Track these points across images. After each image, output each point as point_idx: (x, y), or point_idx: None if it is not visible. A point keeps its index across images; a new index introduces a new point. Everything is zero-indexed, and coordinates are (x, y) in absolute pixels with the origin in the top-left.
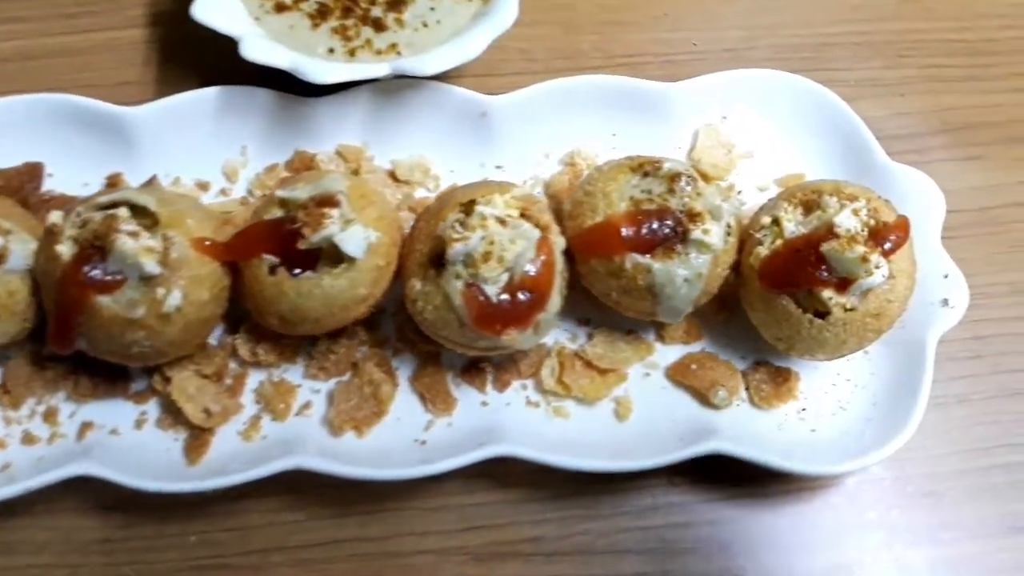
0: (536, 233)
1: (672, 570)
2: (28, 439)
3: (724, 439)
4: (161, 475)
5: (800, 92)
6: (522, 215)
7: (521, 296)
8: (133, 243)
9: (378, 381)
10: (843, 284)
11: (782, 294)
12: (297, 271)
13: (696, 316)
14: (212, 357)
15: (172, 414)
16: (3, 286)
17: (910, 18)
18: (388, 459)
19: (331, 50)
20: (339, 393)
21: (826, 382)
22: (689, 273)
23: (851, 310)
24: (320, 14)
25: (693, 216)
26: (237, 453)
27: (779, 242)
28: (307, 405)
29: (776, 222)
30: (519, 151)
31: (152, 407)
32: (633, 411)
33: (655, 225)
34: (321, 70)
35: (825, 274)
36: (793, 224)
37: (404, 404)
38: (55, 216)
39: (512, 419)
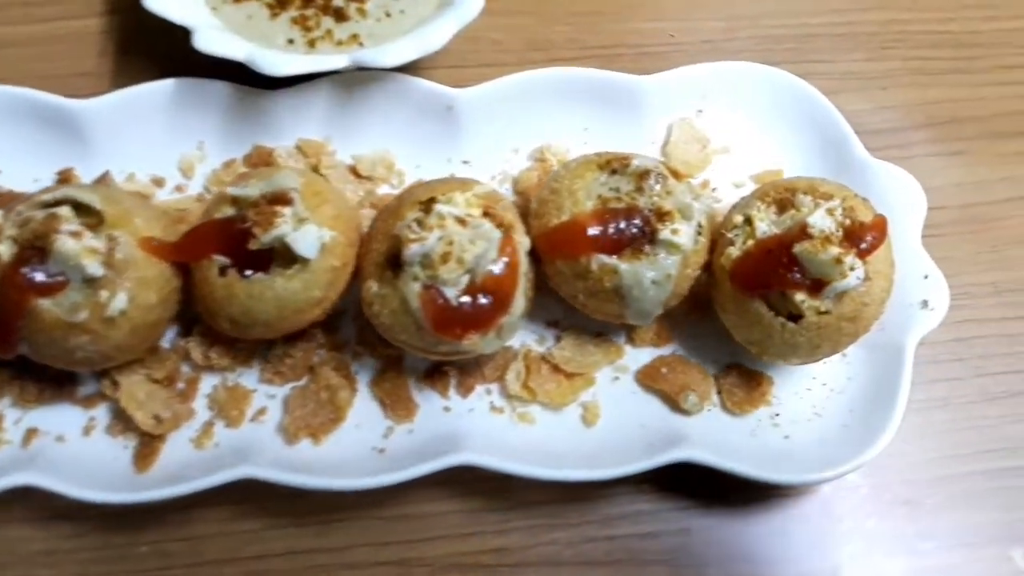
0: (497, 233)
1: None
2: None
3: (695, 446)
4: (109, 484)
5: (778, 85)
6: (485, 214)
7: (482, 299)
8: (75, 243)
9: (335, 386)
10: (817, 286)
11: (754, 296)
12: (248, 272)
13: (667, 318)
14: (163, 361)
15: (123, 420)
16: None
17: (894, 8)
18: (345, 468)
19: (290, 41)
20: (294, 399)
21: (801, 386)
22: (657, 274)
23: (825, 313)
24: (279, 4)
25: (662, 215)
26: (189, 461)
27: (751, 242)
28: (262, 411)
29: (748, 221)
30: (487, 146)
31: (101, 412)
32: (601, 417)
33: (622, 225)
34: (278, 62)
35: (798, 276)
36: (766, 224)
37: (363, 410)
38: None
39: (475, 425)
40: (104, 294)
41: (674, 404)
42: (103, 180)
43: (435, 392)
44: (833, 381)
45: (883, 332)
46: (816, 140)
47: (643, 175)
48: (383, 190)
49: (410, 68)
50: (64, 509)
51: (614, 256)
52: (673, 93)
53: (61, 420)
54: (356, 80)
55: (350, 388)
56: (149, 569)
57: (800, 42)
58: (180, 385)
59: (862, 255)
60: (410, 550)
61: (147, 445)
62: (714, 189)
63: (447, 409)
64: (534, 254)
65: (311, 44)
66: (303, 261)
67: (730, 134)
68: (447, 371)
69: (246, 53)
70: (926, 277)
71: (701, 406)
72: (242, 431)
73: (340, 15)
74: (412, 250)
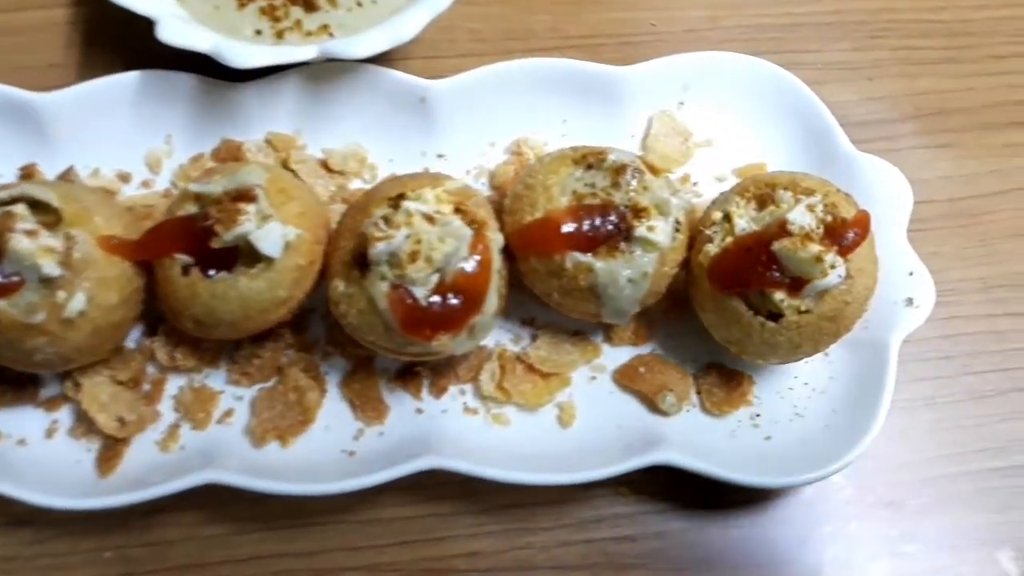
0: (468, 231)
1: None
2: None
3: (672, 448)
4: (71, 489)
5: (761, 76)
6: (457, 210)
7: (453, 298)
8: (30, 243)
9: (304, 388)
10: (796, 285)
11: (732, 295)
12: (212, 272)
13: (645, 316)
14: (128, 362)
15: (85, 422)
16: None
17: None
18: (314, 471)
19: (258, 32)
20: (260, 401)
21: (782, 386)
22: (633, 272)
23: (805, 312)
24: None
25: (638, 211)
26: (154, 464)
27: (729, 239)
28: (229, 413)
29: (728, 218)
30: (462, 139)
31: (64, 414)
32: (577, 418)
33: (597, 221)
34: (244, 53)
35: (777, 275)
36: (745, 220)
37: (333, 412)
38: None
39: (448, 427)
40: (62, 295)
41: (652, 405)
42: (67, 176)
43: (407, 393)
44: (815, 380)
45: (867, 330)
46: (800, 132)
47: (619, 170)
48: (355, 185)
49: (383, 59)
50: (25, 514)
51: (589, 254)
52: (654, 84)
53: (22, 423)
54: (327, 72)
55: (319, 389)
56: (114, 575)
57: (785, 31)
58: (146, 386)
59: (843, 252)
60: (381, 555)
61: (110, 448)
62: (695, 183)
63: (419, 411)
64: (508, 251)
65: (279, 35)
66: (267, 260)
67: (712, 127)
68: (419, 372)
69: (211, 45)
70: (911, 274)
71: (679, 407)
72: (209, 433)
73: (309, 5)
74: (378, 249)
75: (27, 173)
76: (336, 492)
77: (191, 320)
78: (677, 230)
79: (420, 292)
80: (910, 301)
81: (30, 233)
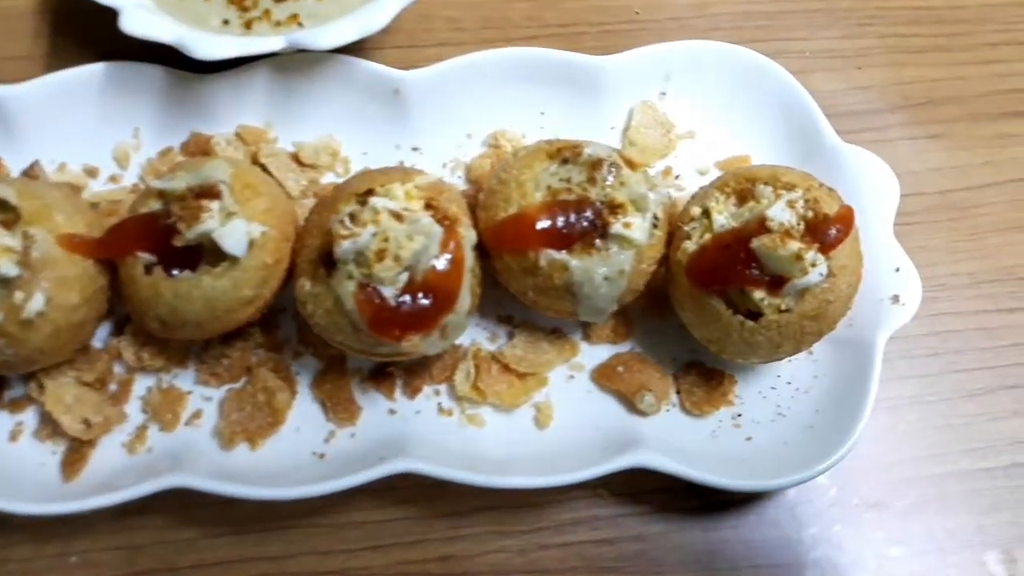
0: (438, 228)
1: None
2: None
3: (651, 450)
4: (36, 493)
5: (745, 66)
6: (428, 206)
7: (423, 297)
8: None
9: (273, 388)
10: (776, 283)
11: (711, 293)
12: (176, 271)
13: (624, 314)
14: (94, 362)
15: (50, 423)
16: None
17: None
18: (284, 475)
19: (226, 21)
20: (229, 402)
21: (765, 385)
22: (609, 270)
23: (786, 311)
24: None
25: (614, 208)
26: (121, 467)
27: (708, 236)
28: (197, 414)
29: (706, 213)
30: (438, 131)
31: (30, 416)
32: (554, 418)
33: (572, 218)
34: (209, 45)
35: (756, 273)
36: (724, 216)
37: (303, 413)
38: None
39: (422, 428)
40: (19, 295)
41: (630, 405)
42: (32, 170)
43: (380, 394)
44: (799, 380)
45: (851, 328)
46: (784, 124)
47: (595, 165)
48: (327, 179)
49: (359, 49)
50: None
51: (564, 251)
52: (635, 74)
53: None
54: (298, 63)
55: (289, 390)
56: None
57: (772, 19)
58: (112, 387)
59: (825, 250)
60: (354, 559)
61: (75, 451)
62: (677, 177)
63: (392, 412)
64: (483, 248)
65: (247, 25)
66: (232, 258)
67: (695, 118)
68: (393, 372)
69: (175, 35)
70: (897, 270)
71: (658, 407)
72: (177, 435)
73: None
74: (344, 247)
75: None
76: (306, 496)
77: (155, 320)
78: (655, 226)
79: (389, 291)
80: (896, 298)
81: None
